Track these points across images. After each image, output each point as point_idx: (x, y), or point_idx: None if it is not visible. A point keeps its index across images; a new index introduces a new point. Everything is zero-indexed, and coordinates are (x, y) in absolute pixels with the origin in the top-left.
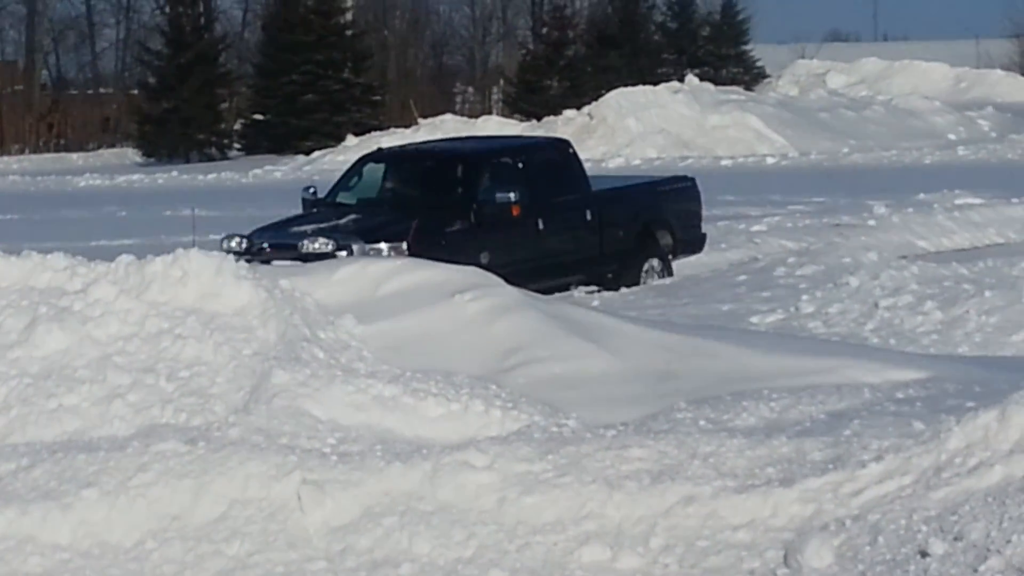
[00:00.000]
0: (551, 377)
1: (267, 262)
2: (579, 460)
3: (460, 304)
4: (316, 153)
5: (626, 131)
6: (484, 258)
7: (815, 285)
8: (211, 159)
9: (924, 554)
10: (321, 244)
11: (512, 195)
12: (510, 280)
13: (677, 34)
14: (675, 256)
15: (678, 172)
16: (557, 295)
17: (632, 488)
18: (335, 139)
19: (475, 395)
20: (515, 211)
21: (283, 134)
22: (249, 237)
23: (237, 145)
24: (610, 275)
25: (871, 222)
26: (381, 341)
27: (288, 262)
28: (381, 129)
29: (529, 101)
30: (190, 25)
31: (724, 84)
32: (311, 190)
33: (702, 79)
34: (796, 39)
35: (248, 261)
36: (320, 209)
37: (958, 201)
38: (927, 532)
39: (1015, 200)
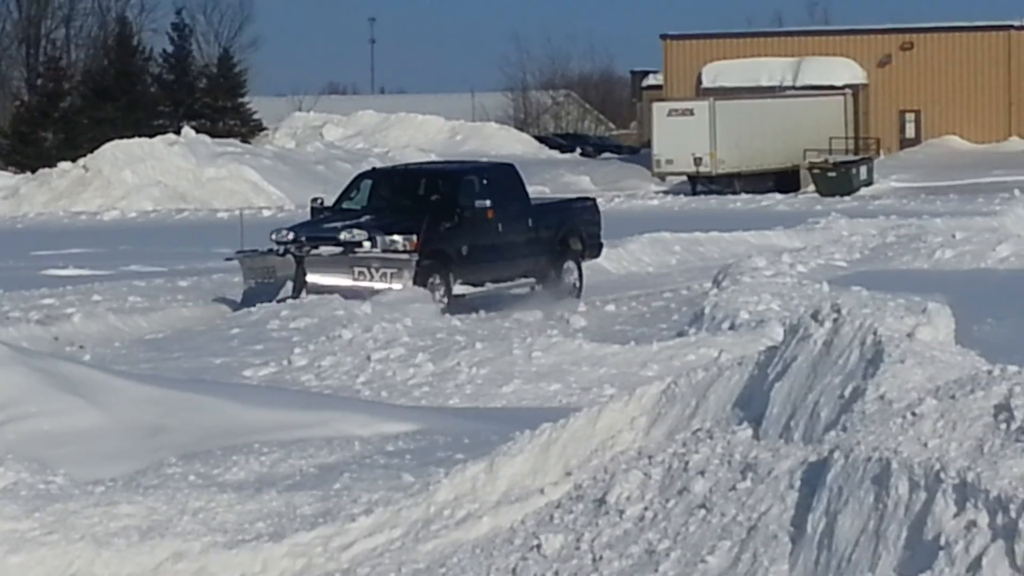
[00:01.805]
0: (40, 433)
1: (315, 248)
2: (66, 517)
3: None
4: None
5: (122, 183)
6: (465, 250)
7: (308, 338)
8: None
9: None
10: (356, 235)
11: (488, 202)
12: (476, 266)
13: (174, 86)
14: (583, 259)
15: (174, 225)
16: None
17: (120, 545)
18: None
19: None
20: (490, 214)
21: None
22: (293, 230)
23: None
24: (540, 271)
25: None
26: None
27: (332, 248)
28: None
29: (23, 153)
30: None
31: (221, 136)
32: (319, 200)
33: (199, 131)
34: (294, 91)
35: (300, 248)
36: (333, 213)
37: None
38: None
39: None
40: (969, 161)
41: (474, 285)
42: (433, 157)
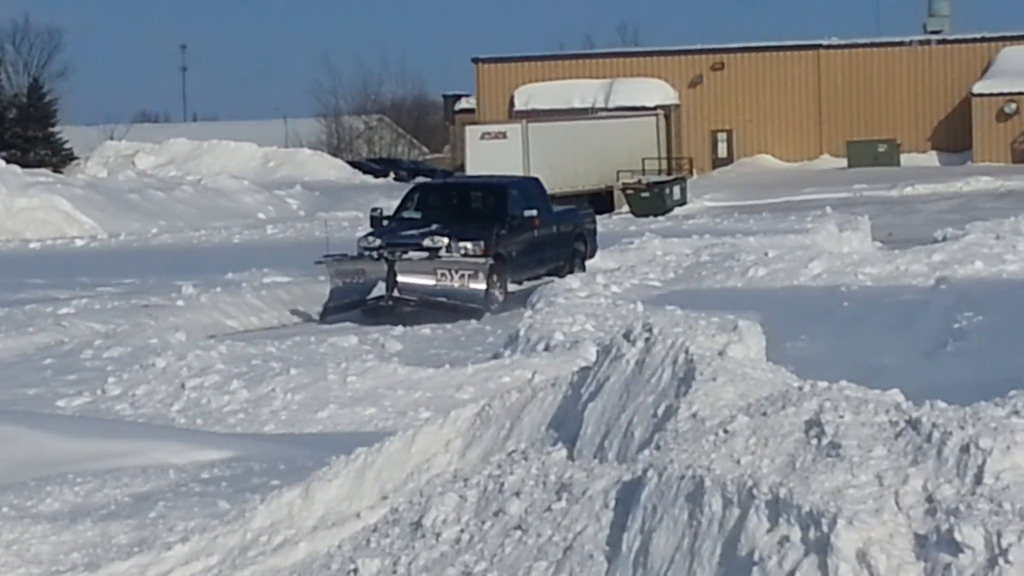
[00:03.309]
0: None
1: (403, 252)
2: None
3: None
4: None
5: None
6: (514, 252)
7: (122, 367)
8: None
9: None
10: (437, 241)
11: (535, 211)
12: (520, 266)
13: None
14: (587, 259)
15: None
16: None
17: None
18: None
19: None
20: (536, 222)
21: None
22: (378, 236)
23: None
24: (558, 269)
25: (180, 302)
26: None
27: (419, 253)
28: None
29: None
30: None
31: (32, 166)
32: (377, 209)
33: (9, 162)
34: (105, 120)
35: (392, 252)
36: (400, 222)
37: (267, 280)
38: None
39: (322, 278)
40: (781, 179)
41: (518, 283)
42: (246, 184)
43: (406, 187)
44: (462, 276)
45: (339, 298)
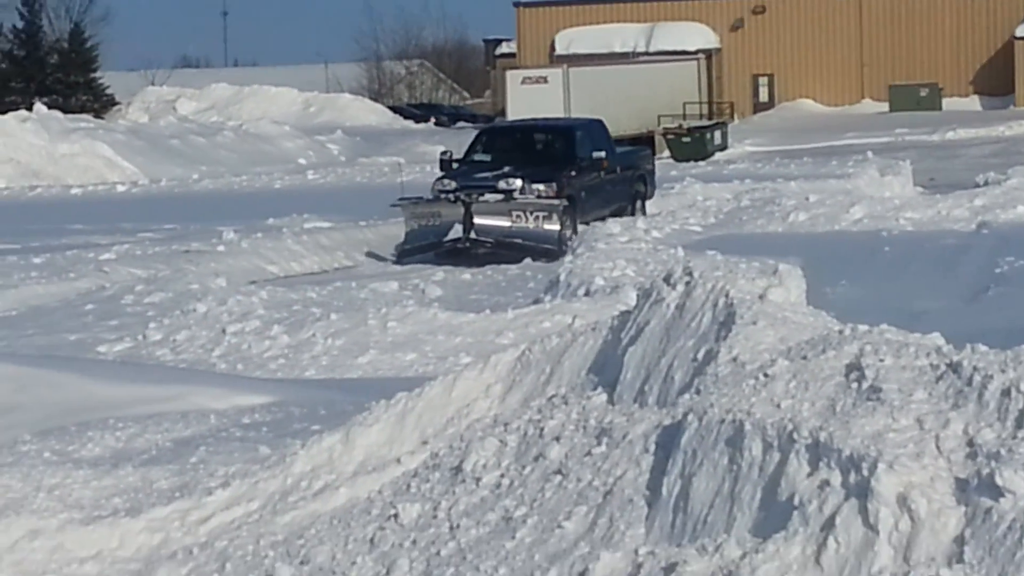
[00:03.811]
0: None
1: (479, 195)
2: None
3: None
4: None
5: None
6: (583, 193)
7: (163, 312)
8: None
9: None
10: (512, 183)
11: (604, 153)
12: (589, 206)
13: (24, 62)
14: (647, 199)
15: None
16: None
17: None
18: None
19: None
20: (604, 164)
21: None
22: (453, 179)
23: None
24: (622, 208)
25: (220, 248)
26: None
27: (494, 195)
28: None
29: None
30: None
31: (74, 112)
32: (447, 153)
33: (51, 107)
34: (146, 66)
35: (468, 195)
36: (470, 165)
37: (307, 225)
38: (274, 557)
39: (363, 223)
40: (822, 124)
41: (586, 223)
42: (287, 129)
43: (447, 132)
44: (537, 217)
45: (415, 240)
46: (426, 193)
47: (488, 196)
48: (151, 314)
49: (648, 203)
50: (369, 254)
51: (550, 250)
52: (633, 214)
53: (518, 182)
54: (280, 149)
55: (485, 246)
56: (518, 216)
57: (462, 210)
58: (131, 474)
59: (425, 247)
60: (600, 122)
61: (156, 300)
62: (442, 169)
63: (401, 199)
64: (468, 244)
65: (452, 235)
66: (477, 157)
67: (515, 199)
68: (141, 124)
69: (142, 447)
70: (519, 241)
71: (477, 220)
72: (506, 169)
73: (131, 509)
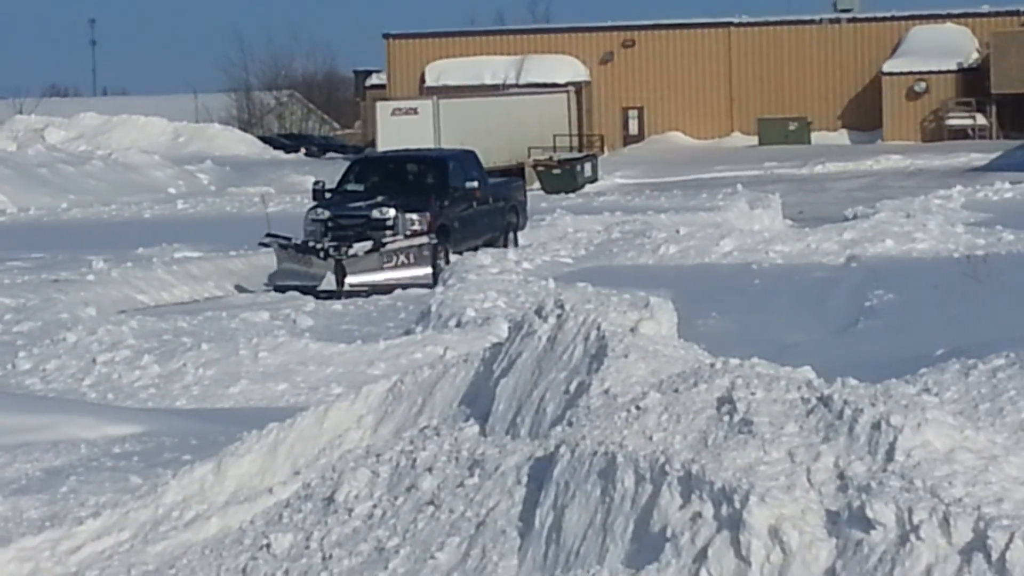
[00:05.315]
0: None
1: (350, 224)
2: None
3: None
4: None
5: None
6: (456, 223)
7: (32, 341)
8: None
9: None
10: (383, 212)
11: (476, 183)
12: (462, 236)
13: None
14: (519, 230)
15: None
16: None
17: None
18: None
19: None
20: (477, 193)
21: None
22: (326, 207)
23: None
24: (494, 238)
25: (90, 277)
26: None
27: (360, 245)
28: None
29: None
30: None
31: None
32: (319, 183)
33: None
34: (14, 94)
35: (333, 223)
36: (343, 195)
37: (177, 255)
38: None
39: (233, 253)
40: (692, 157)
41: (459, 253)
42: (156, 159)
43: (317, 162)
44: (408, 260)
45: (287, 277)
46: (297, 224)
47: (357, 247)
48: (20, 343)
49: (520, 234)
50: (238, 287)
51: (425, 285)
52: (506, 244)
53: (391, 211)
54: (149, 178)
55: (360, 294)
56: (389, 262)
57: (333, 265)
58: (1, 503)
59: (299, 287)
60: (472, 153)
61: (25, 329)
62: (315, 199)
63: (269, 234)
64: (342, 295)
65: (325, 286)
66: (350, 187)
67: (384, 245)
68: (9, 152)
69: (12, 476)
70: (393, 284)
71: (350, 278)
72: (379, 199)
73: (1, 538)
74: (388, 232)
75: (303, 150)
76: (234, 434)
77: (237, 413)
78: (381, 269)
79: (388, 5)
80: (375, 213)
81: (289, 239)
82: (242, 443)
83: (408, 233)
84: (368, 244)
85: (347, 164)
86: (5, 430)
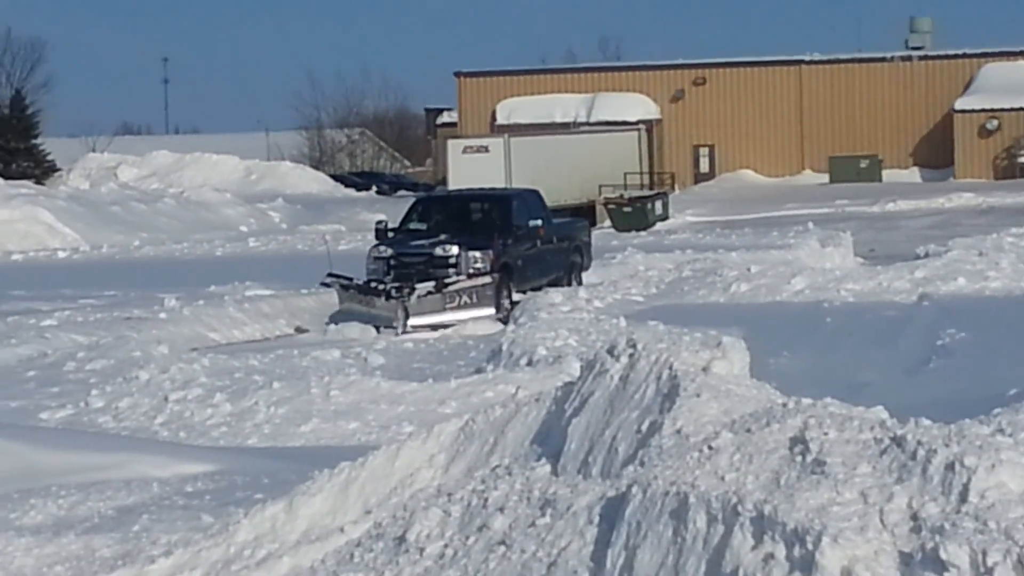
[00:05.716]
0: None
1: (412, 262)
2: None
3: None
4: None
5: None
6: (519, 262)
7: (105, 379)
8: None
9: None
10: (447, 249)
11: (540, 221)
12: (525, 275)
13: None
14: (584, 270)
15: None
16: None
17: None
18: None
19: None
20: (541, 232)
21: None
22: (389, 245)
23: None
24: (559, 278)
25: (162, 315)
26: None
27: (423, 286)
28: None
29: None
30: None
31: (14, 178)
32: (382, 222)
33: None
34: (87, 132)
35: (396, 261)
36: (405, 233)
37: (249, 293)
38: None
39: (304, 291)
40: (763, 195)
41: (522, 292)
42: (228, 197)
43: (388, 200)
44: (471, 301)
45: (350, 318)
46: (361, 263)
47: (420, 288)
48: (93, 381)
49: (587, 273)
50: (298, 328)
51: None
52: (570, 284)
53: (454, 248)
54: (221, 216)
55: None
56: (452, 303)
57: (396, 306)
58: (73, 542)
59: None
60: (536, 192)
61: (98, 367)
62: (377, 238)
63: (330, 274)
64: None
65: (390, 325)
66: (412, 226)
67: (447, 286)
68: (82, 191)
69: (84, 515)
70: (458, 320)
71: (412, 319)
72: (442, 236)
73: None
74: (451, 270)
75: (374, 188)
76: (305, 473)
77: (308, 452)
78: (444, 310)
79: (460, 43)
80: (438, 251)
81: (351, 279)
82: (314, 482)
83: (471, 272)
84: (431, 284)
85: (409, 204)
86: (78, 468)
